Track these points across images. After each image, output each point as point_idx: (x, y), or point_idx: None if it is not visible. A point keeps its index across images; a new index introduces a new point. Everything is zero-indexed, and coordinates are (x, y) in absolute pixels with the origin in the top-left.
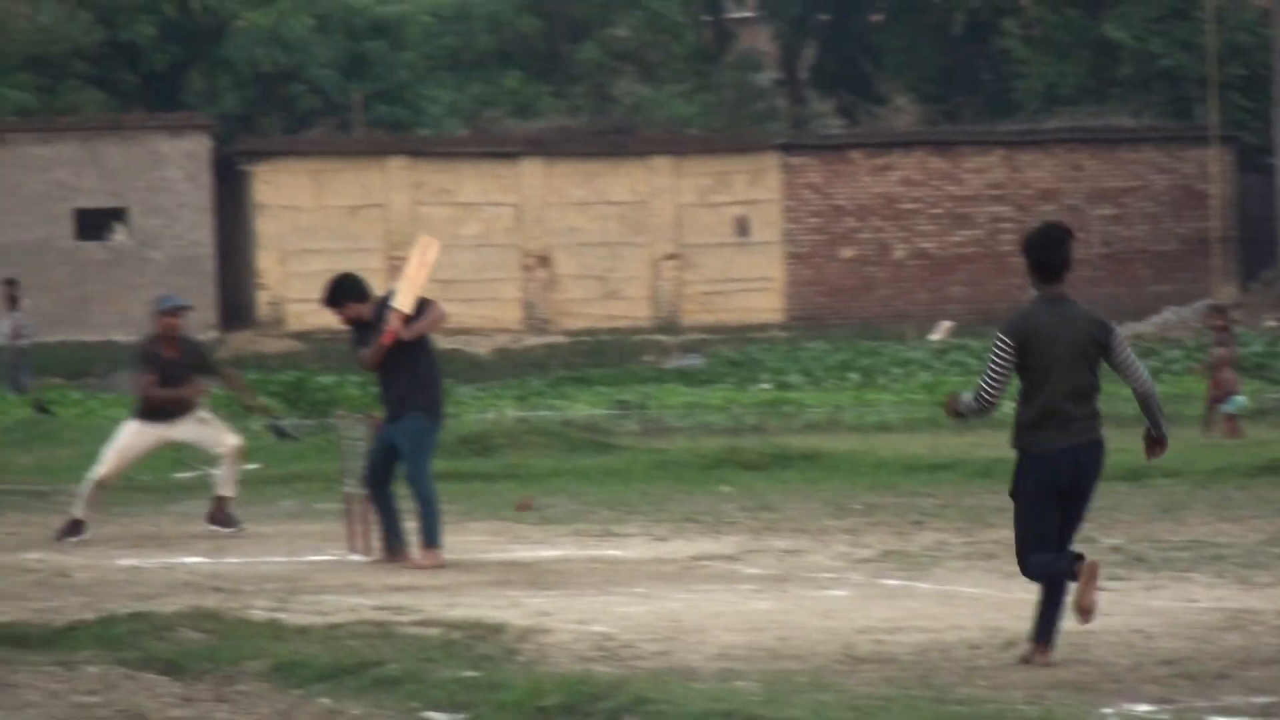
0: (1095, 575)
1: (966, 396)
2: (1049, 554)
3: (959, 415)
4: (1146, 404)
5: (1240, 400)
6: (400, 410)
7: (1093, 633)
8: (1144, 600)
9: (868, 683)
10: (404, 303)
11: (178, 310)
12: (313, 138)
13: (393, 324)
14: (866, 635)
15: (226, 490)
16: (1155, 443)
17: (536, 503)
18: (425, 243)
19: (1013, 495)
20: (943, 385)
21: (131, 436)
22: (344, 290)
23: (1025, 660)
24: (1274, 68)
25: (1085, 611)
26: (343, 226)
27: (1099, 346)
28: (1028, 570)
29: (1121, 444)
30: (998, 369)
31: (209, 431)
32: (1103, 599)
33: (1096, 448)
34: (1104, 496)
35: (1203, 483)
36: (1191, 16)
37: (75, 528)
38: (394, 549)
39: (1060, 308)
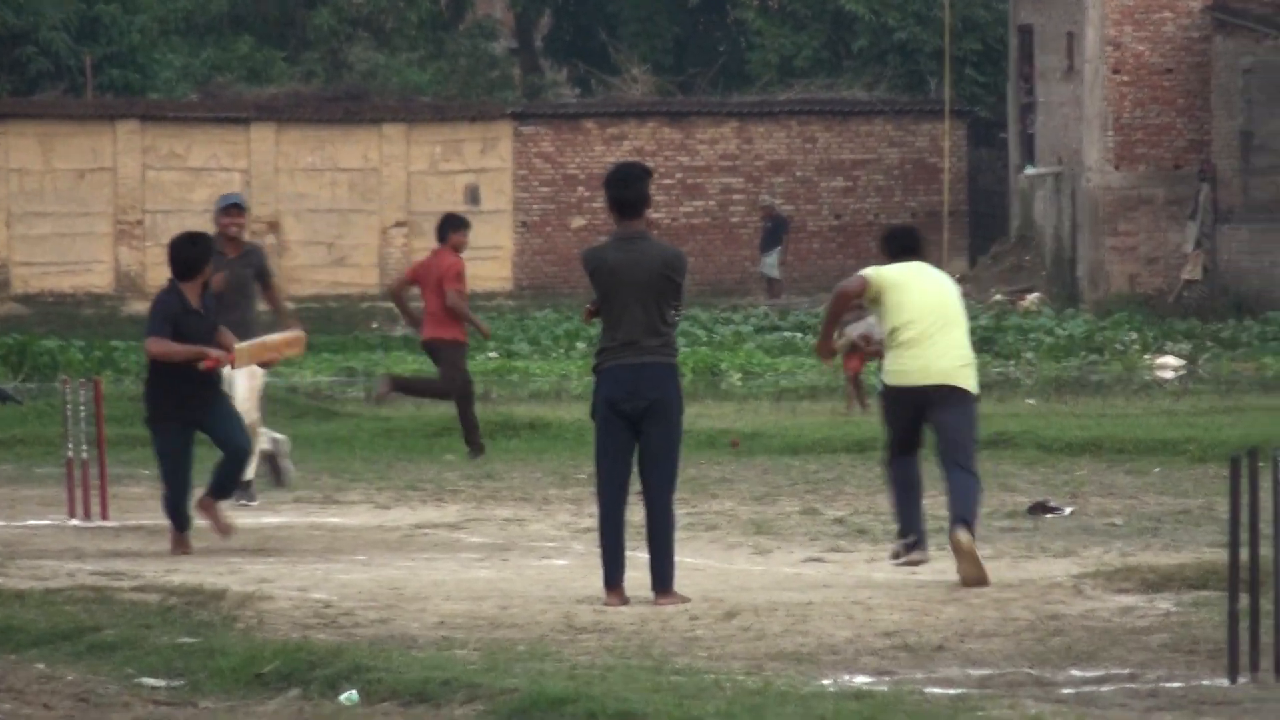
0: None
1: None
2: (614, 500)
3: None
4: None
5: None
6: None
7: (813, 604)
8: (865, 572)
9: (587, 652)
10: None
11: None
12: (42, 101)
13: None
14: (587, 605)
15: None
16: None
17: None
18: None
19: (591, 416)
20: None
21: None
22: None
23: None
24: (1009, 43)
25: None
26: (71, 190)
27: (672, 282)
28: (598, 512)
29: (850, 415)
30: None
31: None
32: (824, 570)
33: (661, 369)
34: (829, 468)
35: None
36: None
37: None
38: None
39: (634, 244)
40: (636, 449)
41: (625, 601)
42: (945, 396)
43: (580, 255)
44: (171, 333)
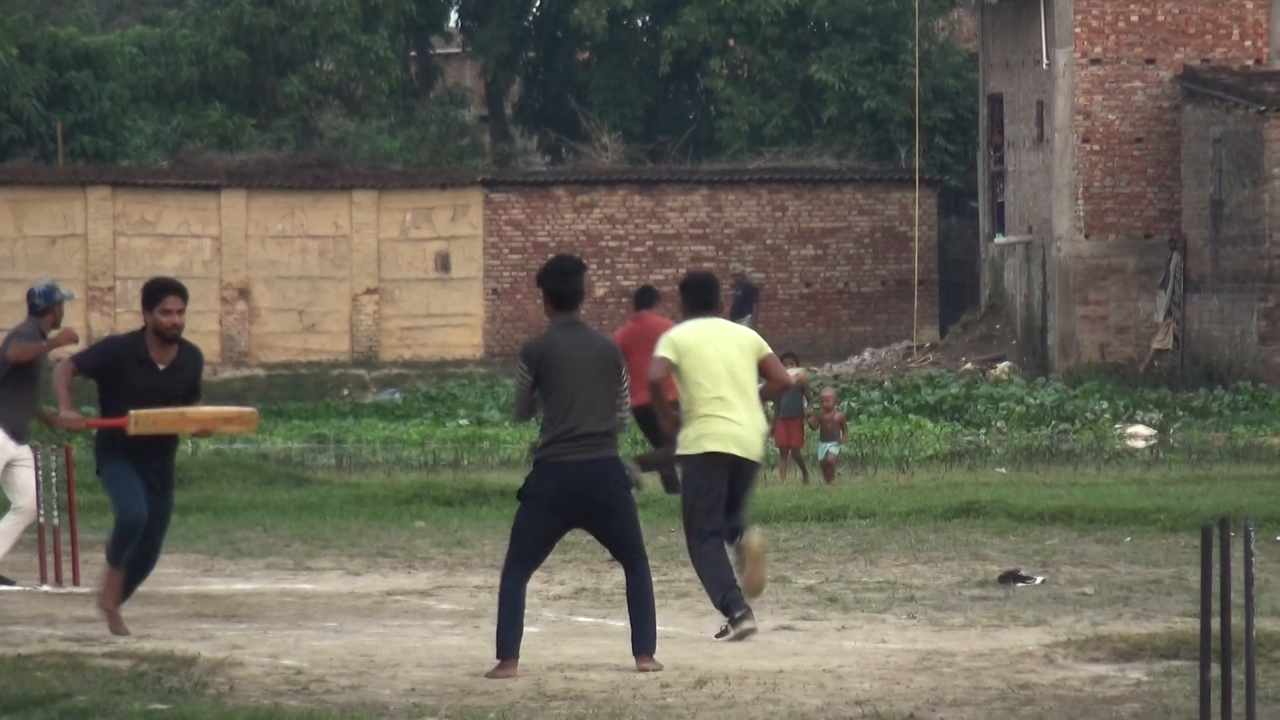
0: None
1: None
2: (518, 588)
3: None
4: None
5: (837, 445)
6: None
7: (783, 673)
8: (836, 641)
9: (558, 719)
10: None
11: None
12: (13, 167)
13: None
14: (558, 672)
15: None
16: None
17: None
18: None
19: (519, 496)
20: None
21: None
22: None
23: (490, 676)
24: (979, 112)
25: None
26: (42, 256)
27: (619, 367)
28: (503, 583)
29: (820, 484)
30: (520, 388)
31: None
32: (795, 638)
33: (612, 464)
34: (800, 536)
35: (897, 524)
36: (898, 60)
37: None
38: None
39: (577, 332)
40: (573, 535)
41: (515, 675)
42: (743, 467)
43: (521, 351)
44: (110, 377)
